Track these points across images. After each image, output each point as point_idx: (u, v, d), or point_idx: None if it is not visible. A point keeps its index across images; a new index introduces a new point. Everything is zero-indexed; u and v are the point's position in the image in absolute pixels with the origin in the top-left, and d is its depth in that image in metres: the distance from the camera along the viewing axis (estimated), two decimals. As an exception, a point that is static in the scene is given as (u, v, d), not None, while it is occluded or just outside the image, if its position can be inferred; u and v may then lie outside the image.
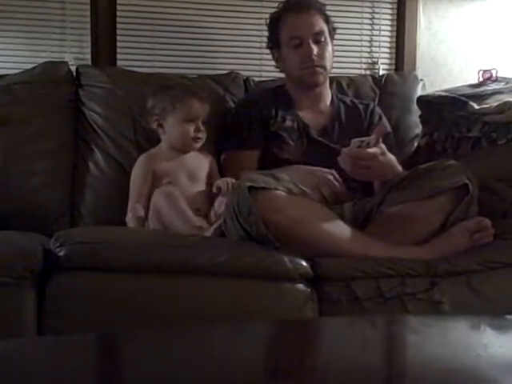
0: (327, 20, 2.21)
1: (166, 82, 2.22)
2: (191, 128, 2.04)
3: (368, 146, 1.78)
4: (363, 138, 1.80)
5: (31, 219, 2.09)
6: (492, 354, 1.02)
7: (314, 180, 1.92)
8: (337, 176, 1.94)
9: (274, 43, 2.24)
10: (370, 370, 0.96)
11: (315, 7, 2.19)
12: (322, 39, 2.16)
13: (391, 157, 1.88)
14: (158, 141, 2.12)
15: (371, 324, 1.29)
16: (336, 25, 2.26)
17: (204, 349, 1.04)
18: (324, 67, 2.18)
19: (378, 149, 1.81)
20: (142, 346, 1.05)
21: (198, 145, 2.08)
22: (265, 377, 0.96)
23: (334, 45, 2.24)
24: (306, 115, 2.19)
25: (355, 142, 1.79)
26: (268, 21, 2.24)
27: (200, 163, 2.10)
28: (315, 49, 2.14)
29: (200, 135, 2.06)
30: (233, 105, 2.33)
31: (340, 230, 1.74)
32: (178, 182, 2.02)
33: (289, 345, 1.13)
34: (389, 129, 2.25)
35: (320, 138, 2.16)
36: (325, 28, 2.18)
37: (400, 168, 1.91)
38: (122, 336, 1.14)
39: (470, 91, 2.23)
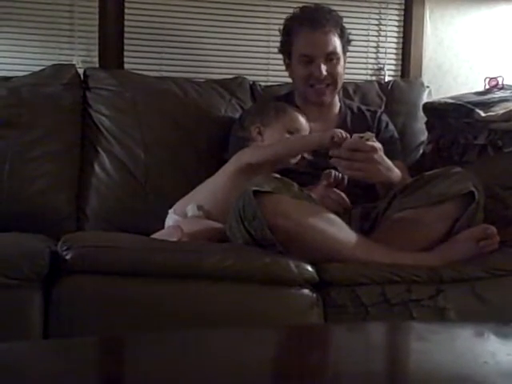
0: (342, 34, 2.14)
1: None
2: None
3: (367, 140, 1.81)
4: (362, 134, 1.83)
5: (37, 221, 2.09)
6: (499, 361, 1.02)
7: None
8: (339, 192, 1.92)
9: (285, 50, 2.20)
10: (374, 376, 0.96)
11: (331, 23, 2.11)
12: (335, 58, 2.12)
13: (388, 161, 1.87)
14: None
15: (376, 330, 1.29)
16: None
17: (208, 353, 1.04)
18: (334, 84, 2.15)
19: (378, 144, 1.82)
20: (147, 349, 1.05)
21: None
22: (268, 382, 0.96)
23: (347, 56, 2.20)
24: (313, 126, 2.14)
25: (355, 136, 1.81)
26: (282, 26, 2.19)
27: None
28: (326, 68, 2.11)
29: None
30: (239, 109, 2.34)
31: (345, 235, 1.74)
32: None
33: (293, 350, 1.13)
34: (396, 135, 2.26)
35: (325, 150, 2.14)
36: (338, 45, 2.13)
37: (399, 173, 1.91)
38: (127, 339, 1.14)
39: (476, 98, 2.23)
